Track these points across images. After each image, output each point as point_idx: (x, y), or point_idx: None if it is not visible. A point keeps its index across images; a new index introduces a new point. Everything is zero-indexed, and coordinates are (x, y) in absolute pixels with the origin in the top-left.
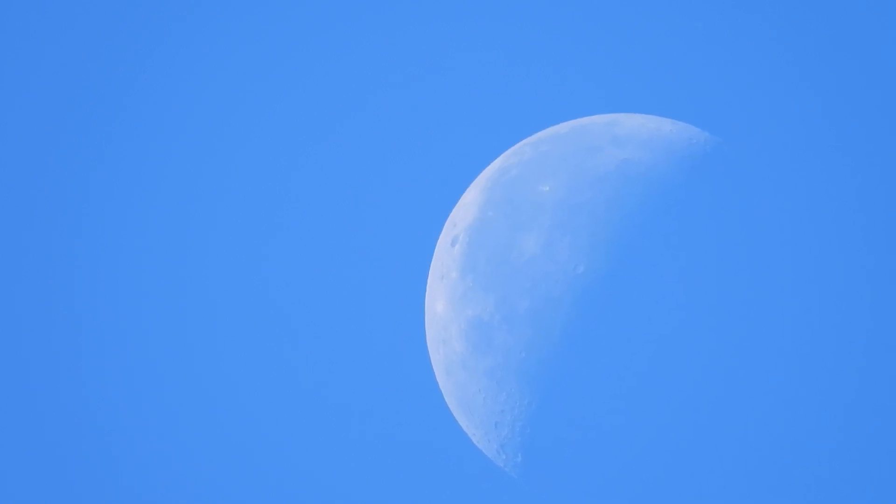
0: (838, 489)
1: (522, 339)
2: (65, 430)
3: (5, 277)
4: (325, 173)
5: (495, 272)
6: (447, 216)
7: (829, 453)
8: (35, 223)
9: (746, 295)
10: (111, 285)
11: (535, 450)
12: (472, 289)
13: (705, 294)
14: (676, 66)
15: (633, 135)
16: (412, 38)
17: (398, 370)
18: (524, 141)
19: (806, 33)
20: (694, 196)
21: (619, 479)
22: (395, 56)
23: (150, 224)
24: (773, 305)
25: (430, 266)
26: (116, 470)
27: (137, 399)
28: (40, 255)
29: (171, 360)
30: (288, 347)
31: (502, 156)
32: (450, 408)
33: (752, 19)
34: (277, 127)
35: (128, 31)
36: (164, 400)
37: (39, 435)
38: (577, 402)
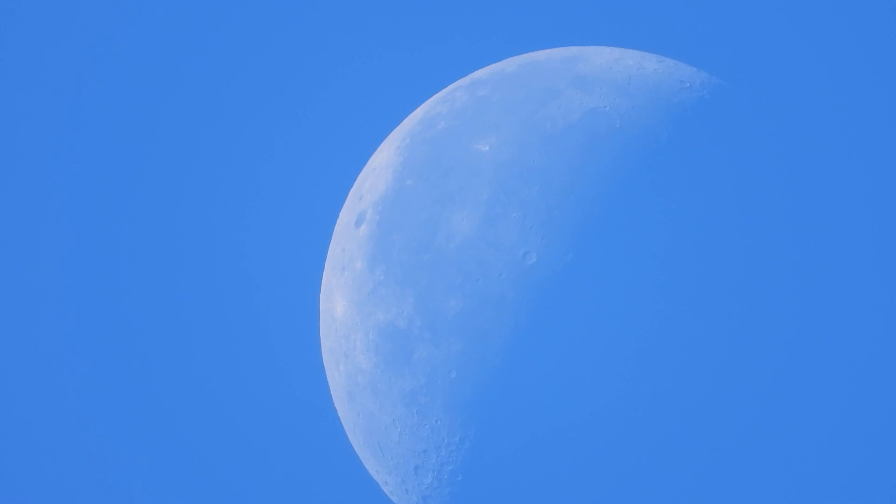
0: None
1: (452, 353)
2: None
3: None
4: (183, 126)
5: (415, 262)
6: (350, 186)
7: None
8: None
9: (755, 300)
10: None
11: (469, 503)
12: (383, 284)
13: (699, 296)
14: None
15: (603, 75)
16: None
17: (283, 395)
18: (456, 83)
19: None
20: (687, 159)
21: None
22: None
23: None
24: (792, 317)
25: (326, 254)
26: None
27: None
28: None
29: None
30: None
31: (426, 103)
32: (353, 446)
33: None
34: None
35: None
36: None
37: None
38: (524, 437)
